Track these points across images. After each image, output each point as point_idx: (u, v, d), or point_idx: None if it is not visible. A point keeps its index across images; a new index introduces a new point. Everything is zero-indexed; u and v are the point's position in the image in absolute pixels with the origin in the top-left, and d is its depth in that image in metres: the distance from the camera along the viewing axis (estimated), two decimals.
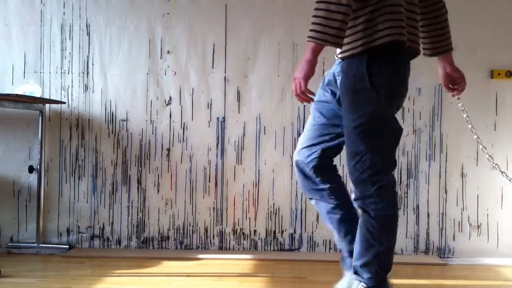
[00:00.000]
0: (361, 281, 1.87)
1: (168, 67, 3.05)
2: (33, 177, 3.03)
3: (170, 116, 3.06)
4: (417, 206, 3.01)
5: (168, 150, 3.06)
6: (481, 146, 2.45)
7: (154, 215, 3.07)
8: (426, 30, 2.01)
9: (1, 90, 3.03)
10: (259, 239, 3.05)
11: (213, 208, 3.06)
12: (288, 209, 3.04)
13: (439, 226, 3.00)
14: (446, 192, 3.00)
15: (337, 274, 2.58)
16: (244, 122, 3.04)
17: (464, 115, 2.28)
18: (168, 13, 3.05)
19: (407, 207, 3.01)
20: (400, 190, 3.01)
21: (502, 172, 2.48)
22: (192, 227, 3.06)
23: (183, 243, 3.06)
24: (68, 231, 3.08)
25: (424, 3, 1.96)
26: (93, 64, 3.08)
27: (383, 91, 1.77)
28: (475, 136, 2.44)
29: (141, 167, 3.07)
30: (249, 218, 3.05)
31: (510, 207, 2.99)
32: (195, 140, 3.05)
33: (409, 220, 3.01)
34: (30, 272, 2.59)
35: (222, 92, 3.04)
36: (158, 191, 3.06)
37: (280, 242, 3.03)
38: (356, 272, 1.88)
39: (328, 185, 2.02)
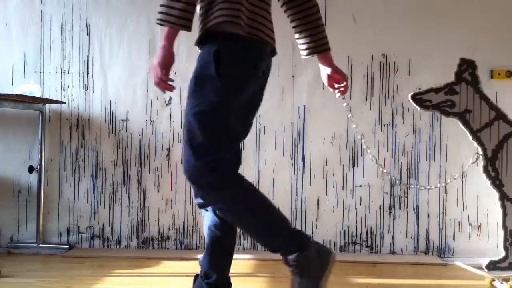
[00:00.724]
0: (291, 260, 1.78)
1: None
2: (33, 177, 3.03)
3: (170, 116, 3.06)
4: (417, 206, 3.01)
5: (168, 150, 3.06)
6: (364, 146, 2.45)
7: (154, 215, 3.07)
8: (298, 30, 1.97)
9: (1, 90, 3.03)
10: None
11: None
12: (288, 209, 3.03)
13: (439, 226, 3.00)
14: (446, 192, 3.00)
15: (337, 274, 2.58)
16: None
17: (349, 115, 2.29)
18: None
19: (407, 207, 3.01)
20: (400, 190, 3.01)
21: (388, 174, 2.48)
22: (192, 227, 3.06)
23: (183, 243, 3.06)
24: (68, 231, 3.08)
25: (290, 4, 1.91)
26: (93, 64, 3.08)
27: (229, 80, 1.69)
28: (360, 136, 2.44)
29: (141, 167, 3.07)
30: None
31: (510, 207, 2.98)
32: None
33: (409, 220, 3.01)
34: (30, 272, 2.59)
35: None
36: (158, 191, 3.06)
37: None
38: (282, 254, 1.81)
39: None
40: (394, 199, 3.02)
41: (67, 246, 3.03)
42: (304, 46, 1.99)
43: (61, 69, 3.08)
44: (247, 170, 3.03)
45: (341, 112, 3.01)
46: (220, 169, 1.69)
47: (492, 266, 2.25)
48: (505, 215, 2.24)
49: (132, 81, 3.07)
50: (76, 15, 3.07)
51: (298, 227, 3.03)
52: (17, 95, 2.75)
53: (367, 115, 3.01)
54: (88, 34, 3.07)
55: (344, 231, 3.03)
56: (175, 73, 3.05)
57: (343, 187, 3.03)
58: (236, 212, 1.74)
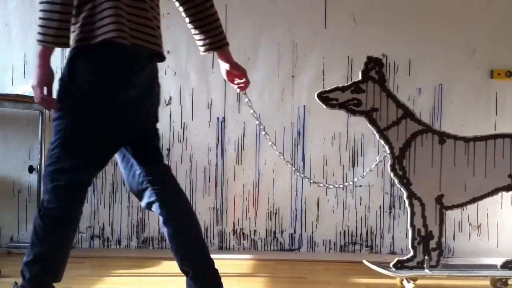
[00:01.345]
0: (21, 282, 1.76)
1: (168, 67, 3.05)
2: (33, 177, 3.03)
3: (170, 116, 3.06)
4: None
5: (168, 150, 3.06)
6: (274, 147, 2.44)
7: (154, 215, 3.05)
8: (192, 27, 1.95)
9: (1, 90, 3.02)
10: (259, 239, 3.05)
11: (213, 208, 3.06)
12: (288, 209, 3.04)
13: None
14: None
15: (337, 274, 2.58)
16: (244, 122, 3.04)
17: (251, 111, 2.29)
18: (168, 13, 3.05)
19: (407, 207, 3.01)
20: (400, 190, 3.00)
21: (297, 172, 2.48)
22: None
23: None
24: None
25: (183, 0, 1.90)
26: None
27: (90, 90, 1.65)
28: (263, 133, 2.44)
29: None
30: (249, 218, 3.05)
31: (510, 207, 2.99)
32: (195, 140, 3.05)
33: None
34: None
35: (222, 92, 3.04)
36: None
37: (280, 242, 3.03)
38: (21, 271, 1.76)
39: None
40: (394, 199, 3.02)
41: None
42: (201, 43, 1.98)
43: (61, 69, 3.08)
44: (247, 170, 3.03)
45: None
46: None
47: (400, 265, 2.26)
48: (413, 213, 2.24)
49: None
50: None
51: (298, 227, 3.04)
52: (17, 95, 2.76)
53: None
54: None
55: (344, 231, 3.03)
56: (175, 73, 3.06)
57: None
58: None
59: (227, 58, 2.02)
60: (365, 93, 2.22)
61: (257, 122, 2.37)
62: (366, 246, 3.03)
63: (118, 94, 1.69)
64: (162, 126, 3.03)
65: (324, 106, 2.23)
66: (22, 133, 3.07)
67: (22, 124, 3.07)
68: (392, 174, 2.25)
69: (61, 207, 1.70)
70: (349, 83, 2.23)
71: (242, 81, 2.05)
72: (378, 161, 2.44)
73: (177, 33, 3.03)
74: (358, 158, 3.02)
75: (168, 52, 3.05)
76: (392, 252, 3.02)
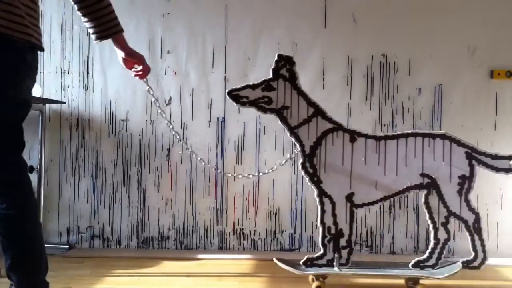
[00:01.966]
0: (12, 285, 1.72)
1: (168, 67, 3.05)
2: (33, 177, 3.02)
3: (170, 116, 3.06)
4: (417, 206, 3.01)
5: (168, 150, 3.06)
6: (167, 122, 2.45)
7: (154, 215, 3.07)
8: (82, 14, 1.89)
9: None
10: (259, 239, 3.05)
11: (213, 208, 3.06)
12: (288, 209, 3.04)
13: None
14: None
15: (337, 274, 2.58)
16: (244, 122, 3.04)
17: (153, 99, 2.30)
18: (168, 13, 3.05)
19: (407, 207, 3.01)
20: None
21: (202, 162, 2.48)
22: (192, 227, 3.06)
23: (183, 243, 3.06)
24: (68, 231, 3.08)
25: None
26: (93, 64, 3.08)
27: None
28: (153, 99, 2.42)
29: (141, 167, 3.07)
30: (249, 218, 3.05)
31: (510, 207, 2.99)
32: (195, 140, 3.05)
33: (409, 220, 3.01)
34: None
35: (222, 92, 3.04)
36: (158, 191, 3.06)
37: (280, 242, 3.03)
38: (8, 277, 1.72)
39: None
40: (394, 199, 3.02)
41: (67, 246, 3.03)
42: (91, 31, 1.93)
43: (61, 69, 3.08)
44: (247, 170, 3.03)
45: (341, 112, 3.01)
46: None
47: (310, 263, 2.26)
48: (323, 211, 2.24)
49: (132, 81, 3.05)
50: (76, 15, 3.04)
51: (298, 227, 3.04)
52: None
53: (367, 115, 3.01)
54: (88, 34, 3.07)
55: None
56: (175, 73, 3.06)
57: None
58: None
59: (122, 45, 1.99)
60: (276, 91, 2.21)
61: (159, 110, 2.39)
62: (366, 246, 3.03)
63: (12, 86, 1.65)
64: (162, 126, 3.06)
65: (235, 104, 2.22)
66: None
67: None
68: (302, 172, 2.25)
69: (10, 206, 1.67)
70: (259, 81, 2.22)
71: (139, 68, 2.05)
72: (288, 157, 2.42)
73: (177, 33, 3.04)
74: None
75: (168, 52, 3.05)
76: (392, 252, 3.02)
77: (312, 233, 3.03)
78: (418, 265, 2.30)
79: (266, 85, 2.22)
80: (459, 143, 2.27)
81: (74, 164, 3.08)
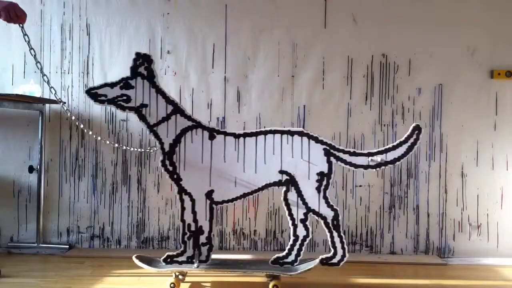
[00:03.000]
0: None
1: (168, 67, 3.05)
2: (33, 177, 3.03)
3: None
4: (417, 206, 3.01)
5: None
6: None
7: (154, 215, 3.07)
8: None
9: (1, 90, 3.03)
10: (259, 239, 3.05)
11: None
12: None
13: (439, 226, 3.00)
14: (446, 192, 3.00)
15: (337, 274, 2.58)
16: (244, 122, 3.04)
17: (43, 79, 2.35)
18: (168, 13, 3.05)
19: (407, 207, 3.01)
20: (400, 190, 3.01)
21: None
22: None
23: None
24: (68, 231, 3.08)
25: None
26: (93, 64, 3.07)
27: None
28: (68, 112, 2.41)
29: (141, 167, 3.07)
30: (249, 218, 3.05)
31: (510, 207, 2.99)
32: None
33: (409, 220, 3.01)
34: (30, 272, 2.59)
35: (222, 92, 3.04)
36: (158, 191, 3.06)
37: (280, 242, 3.03)
38: None
39: None
40: (394, 199, 3.02)
41: (67, 246, 3.03)
42: None
43: (61, 69, 3.08)
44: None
45: (341, 112, 3.01)
46: None
47: (170, 260, 2.29)
48: (183, 208, 2.26)
49: None
50: (76, 15, 3.07)
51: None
52: (17, 95, 2.76)
53: (367, 115, 3.01)
54: (88, 34, 3.07)
55: (344, 231, 3.03)
56: (175, 73, 3.06)
57: (343, 187, 3.03)
58: None
59: None
60: (134, 89, 2.22)
61: (60, 103, 2.40)
62: (366, 246, 3.03)
63: None
64: None
65: (94, 102, 2.22)
66: (22, 133, 3.07)
67: (22, 124, 3.07)
68: (163, 170, 2.27)
69: None
70: (118, 79, 2.23)
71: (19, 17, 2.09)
72: (153, 151, 2.43)
73: (177, 33, 3.04)
74: None
75: (168, 52, 3.05)
76: (392, 252, 3.02)
77: (312, 233, 3.02)
78: (277, 261, 2.32)
79: (124, 83, 2.23)
80: (317, 140, 2.30)
81: (74, 164, 3.08)
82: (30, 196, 3.07)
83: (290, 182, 2.27)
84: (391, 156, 2.30)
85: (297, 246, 2.33)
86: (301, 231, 2.32)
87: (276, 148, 2.28)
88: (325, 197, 2.28)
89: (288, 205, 2.30)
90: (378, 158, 2.29)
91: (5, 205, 3.06)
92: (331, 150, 2.29)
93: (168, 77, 3.05)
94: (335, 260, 2.30)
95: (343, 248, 2.30)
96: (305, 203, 2.28)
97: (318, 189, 2.27)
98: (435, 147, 3.00)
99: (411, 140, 2.31)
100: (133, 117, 3.05)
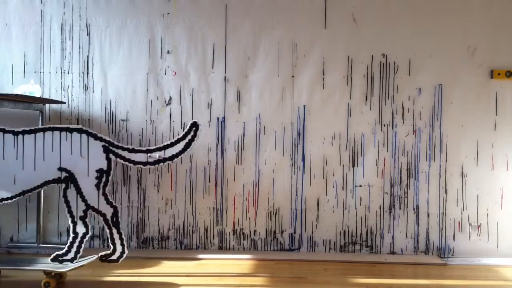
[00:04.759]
0: None
1: (168, 67, 3.06)
2: None
3: (170, 116, 3.06)
4: (417, 206, 3.01)
5: None
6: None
7: (154, 215, 3.07)
8: None
9: (1, 90, 3.03)
10: (259, 239, 3.05)
11: (213, 208, 3.06)
12: (288, 209, 3.04)
13: (439, 226, 3.00)
14: (446, 192, 3.00)
15: (337, 274, 2.59)
16: (244, 122, 3.04)
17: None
18: (168, 13, 3.05)
19: (407, 207, 3.01)
20: (400, 190, 3.01)
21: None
22: (192, 227, 3.06)
23: (183, 243, 3.06)
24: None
25: None
26: (93, 64, 3.08)
27: None
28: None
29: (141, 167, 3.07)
30: (249, 218, 3.05)
31: (510, 207, 2.99)
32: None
33: (409, 220, 3.01)
34: (30, 272, 2.59)
35: (222, 92, 3.04)
36: (158, 191, 3.06)
37: (280, 242, 3.03)
38: None
39: None
40: (394, 199, 3.02)
41: None
42: None
43: (61, 69, 3.08)
44: (247, 170, 3.03)
45: (341, 112, 3.01)
46: None
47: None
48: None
49: (132, 81, 3.07)
50: (76, 15, 3.07)
51: (298, 227, 3.04)
52: (17, 95, 2.75)
53: (367, 115, 3.01)
54: (88, 34, 3.07)
55: (344, 231, 3.03)
56: (175, 73, 3.06)
57: (343, 187, 3.03)
58: None
59: None
60: None
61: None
62: (366, 246, 3.03)
63: None
64: (162, 126, 3.06)
65: None
66: None
67: (22, 124, 3.06)
68: None
69: None
70: None
71: None
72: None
73: (177, 33, 3.04)
74: (358, 158, 3.02)
75: (168, 52, 3.05)
76: (392, 252, 3.02)
77: (312, 233, 3.03)
78: (57, 259, 2.35)
79: None
80: (96, 137, 2.31)
81: None
82: (30, 196, 3.06)
83: (69, 179, 2.30)
84: (169, 153, 2.33)
85: (76, 243, 2.36)
86: (80, 228, 2.35)
87: (55, 145, 2.29)
88: (104, 194, 2.31)
89: (67, 202, 2.34)
90: (156, 155, 2.32)
91: (5, 205, 3.06)
92: (110, 147, 2.30)
93: (168, 77, 3.05)
94: (114, 257, 2.34)
95: (122, 244, 2.34)
96: (84, 200, 2.31)
97: (97, 186, 2.30)
98: (435, 147, 3.01)
99: (189, 137, 2.35)
100: (133, 117, 3.06)
